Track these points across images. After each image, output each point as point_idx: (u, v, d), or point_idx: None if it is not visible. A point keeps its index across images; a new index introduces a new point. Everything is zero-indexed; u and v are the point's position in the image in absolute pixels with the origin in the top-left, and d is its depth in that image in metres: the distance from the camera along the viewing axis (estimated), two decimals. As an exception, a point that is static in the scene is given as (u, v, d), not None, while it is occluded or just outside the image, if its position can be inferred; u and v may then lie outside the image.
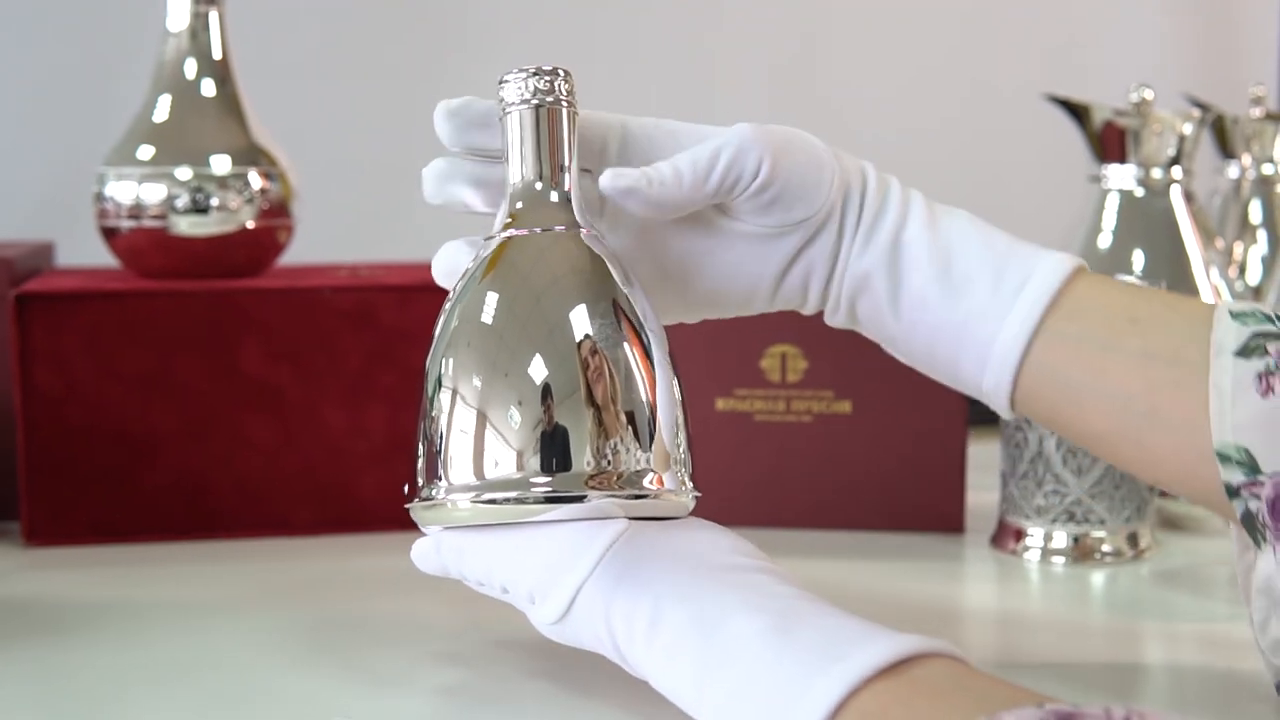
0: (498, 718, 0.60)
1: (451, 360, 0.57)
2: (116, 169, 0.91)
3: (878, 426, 0.90)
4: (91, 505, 0.87)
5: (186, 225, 0.90)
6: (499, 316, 0.57)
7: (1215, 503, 0.58)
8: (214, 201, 0.90)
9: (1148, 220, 1.01)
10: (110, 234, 0.92)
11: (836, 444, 0.91)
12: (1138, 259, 1.00)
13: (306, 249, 1.01)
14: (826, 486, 0.91)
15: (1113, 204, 1.02)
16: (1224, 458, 0.56)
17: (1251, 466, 0.55)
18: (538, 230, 0.59)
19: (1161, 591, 0.80)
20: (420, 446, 0.59)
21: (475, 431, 0.56)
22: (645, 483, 0.56)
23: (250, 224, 0.92)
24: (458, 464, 0.57)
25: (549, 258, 0.58)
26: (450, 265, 0.63)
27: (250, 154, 0.92)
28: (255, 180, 0.92)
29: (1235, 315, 0.58)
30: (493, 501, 0.56)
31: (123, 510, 0.88)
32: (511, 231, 0.59)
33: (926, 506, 0.91)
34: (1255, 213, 1.22)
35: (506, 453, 0.56)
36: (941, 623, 0.75)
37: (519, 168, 0.60)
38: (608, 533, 0.56)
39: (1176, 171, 1.01)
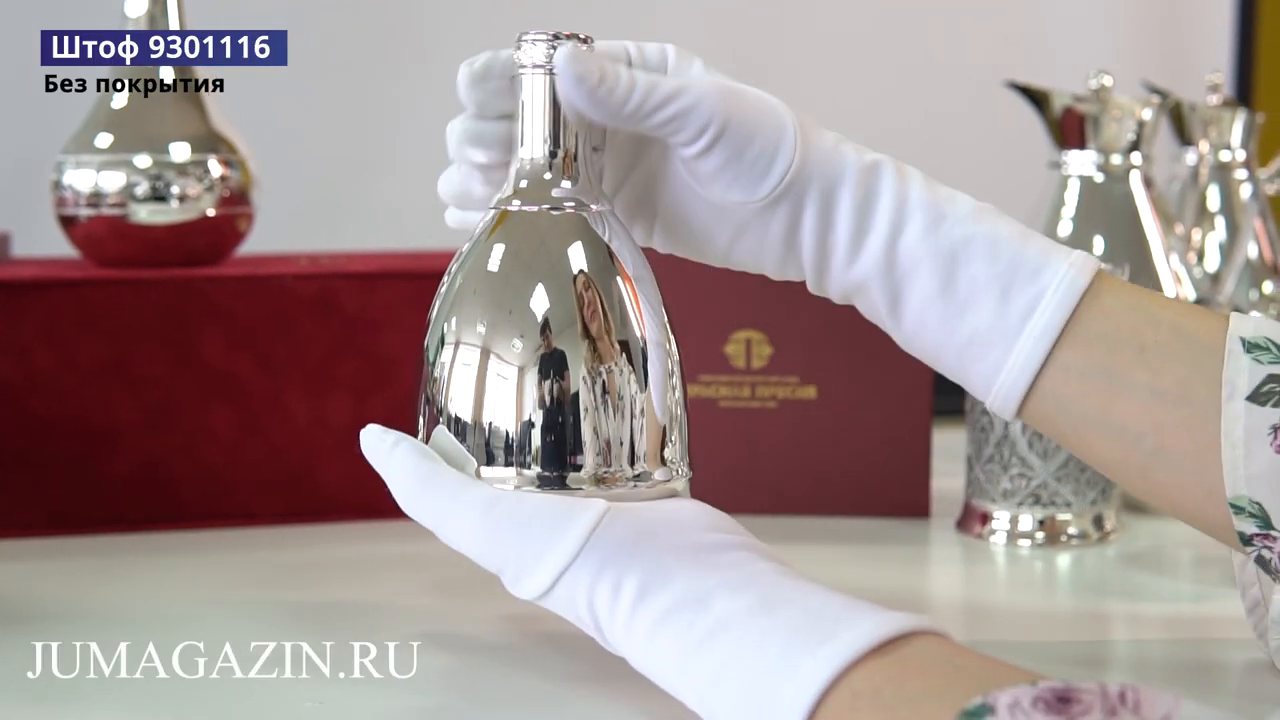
0: (469, 703, 0.60)
1: (456, 316, 0.58)
2: (75, 157, 0.90)
3: (843, 412, 0.90)
4: (52, 496, 0.86)
5: (146, 213, 0.89)
6: (505, 262, 0.58)
7: (1221, 536, 0.58)
8: (174, 189, 0.90)
9: (1108, 206, 1.02)
10: (68, 222, 0.91)
11: (802, 430, 0.91)
12: (1098, 244, 1.01)
13: (265, 238, 1.00)
14: (792, 472, 0.91)
15: (1073, 190, 1.02)
16: (1237, 509, 0.56)
17: (1264, 520, 0.56)
18: (546, 208, 0.59)
19: (1127, 573, 0.81)
20: (421, 411, 0.59)
21: (477, 379, 0.57)
22: (645, 471, 0.58)
23: (210, 212, 0.91)
24: (459, 419, 0.57)
25: (552, 225, 0.58)
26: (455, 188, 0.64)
27: (210, 141, 0.92)
28: (215, 168, 0.91)
29: (1248, 347, 0.57)
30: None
31: (83, 501, 0.87)
32: (518, 205, 0.59)
33: (892, 491, 0.91)
34: (1213, 199, 1.22)
35: (509, 410, 0.56)
36: (909, 607, 0.74)
37: (530, 139, 0.60)
38: (590, 515, 0.55)
39: (1136, 157, 1.01)
